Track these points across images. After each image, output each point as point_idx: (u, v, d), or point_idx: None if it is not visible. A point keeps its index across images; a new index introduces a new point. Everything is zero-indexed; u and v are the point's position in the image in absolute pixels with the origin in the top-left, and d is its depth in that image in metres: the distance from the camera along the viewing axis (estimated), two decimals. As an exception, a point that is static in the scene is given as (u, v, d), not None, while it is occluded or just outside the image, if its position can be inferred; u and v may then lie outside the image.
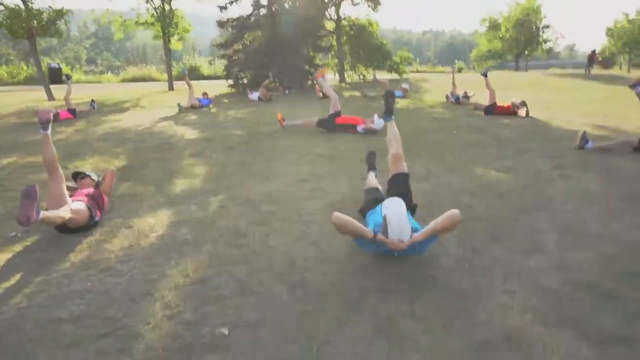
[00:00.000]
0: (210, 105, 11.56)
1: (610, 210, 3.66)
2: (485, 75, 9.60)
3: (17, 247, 3.27)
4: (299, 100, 12.50)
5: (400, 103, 11.42)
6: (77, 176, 4.02)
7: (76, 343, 2.12)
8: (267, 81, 12.51)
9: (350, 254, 2.96)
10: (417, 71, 32.71)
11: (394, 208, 2.68)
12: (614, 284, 2.52)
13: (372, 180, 3.93)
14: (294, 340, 2.10)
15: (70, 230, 3.42)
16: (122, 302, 2.47)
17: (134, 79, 23.22)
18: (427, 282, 2.60)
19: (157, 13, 16.45)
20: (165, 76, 24.27)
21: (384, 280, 2.61)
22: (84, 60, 66.03)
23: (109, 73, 26.32)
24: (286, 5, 15.47)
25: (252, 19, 15.35)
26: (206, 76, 25.36)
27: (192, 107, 10.81)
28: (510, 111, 8.84)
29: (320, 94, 12.67)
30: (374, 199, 3.35)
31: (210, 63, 24.43)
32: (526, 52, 33.96)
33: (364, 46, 20.09)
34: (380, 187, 3.73)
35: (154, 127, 8.16)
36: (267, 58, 14.83)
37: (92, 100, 10.68)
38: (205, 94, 11.98)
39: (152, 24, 16.74)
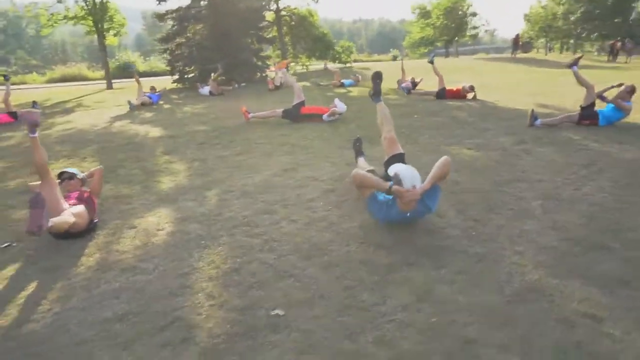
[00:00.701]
0: (160, 101, 11.18)
1: (577, 177, 4.13)
2: (431, 62, 10.11)
3: (18, 257, 3.13)
4: (251, 93, 12.40)
5: (354, 92, 11.73)
6: (62, 176, 3.84)
7: (135, 339, 2.14)
8: (216, 74, 12.27)
9: (367, 233, 3.14)
10: (355, 60, 33.34)
11: (400, 166, 2.93)
12: (602, 238, 2.92)
13: (364, 164, 4.13)
14: (347, 313, 2.25)
15: (69, 235, 3.31)
16: (162, 297, 2.48)
17: (64, 79, 21.66)
18: (444, 251, 2.85)
19: (87, 6, 15.48)
20: (98, 74, 23.05)
21: (407, 254, 2.82)
22: (-6, 60, 60.35)
23: (34, 73, 24.30)
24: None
25: (193, 10, 14.89)
26: (142, 72, 24.19)
27: (143, 105, 10.40)
28: (460, 95, 9.40)
29: (272, 86, 12.66)
30: (376, 181, 3.55)
31: (145, 59, 23.37)
32: (456, 39, 35.68)
33: (306, 36, 20.22)
34: (374, 169, 3.93)
35: (112, 127, 7.81)
36: (212, 52, 14.50)
37: (34, 102, 9.94)
38: (152, 88, 11.55)
39: (84, 17, 15.71)
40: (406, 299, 2.34)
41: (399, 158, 3.59)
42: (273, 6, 19.63)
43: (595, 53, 37.52)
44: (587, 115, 6.16)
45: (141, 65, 25.24)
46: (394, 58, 40.91)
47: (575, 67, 6.33)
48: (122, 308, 2.40)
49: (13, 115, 8.64)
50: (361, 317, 2.22)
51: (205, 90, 12.34)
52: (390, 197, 3.03)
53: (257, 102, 9.97)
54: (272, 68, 15.15)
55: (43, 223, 2.83)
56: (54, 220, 2.98)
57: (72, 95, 13.76)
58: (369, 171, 3.84)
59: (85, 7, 15.49)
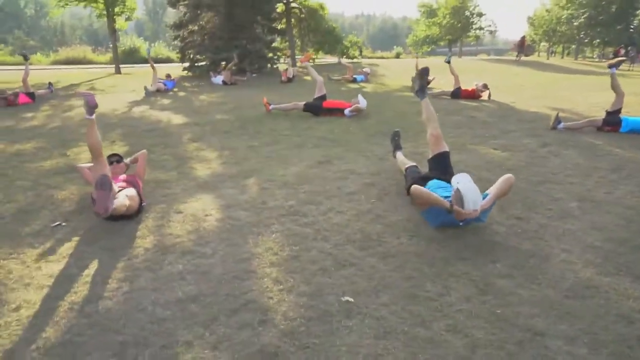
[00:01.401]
0: (175, 89, 11.19)
1: (606, 181, 4.25)
2: (448, 62, 10.20)
3: (72, 236, 3.18)
4: (264, 84, 12.44)
5: (367, 87, 11.79)
6: (111, 158, 3.89)
7: (213, 319, 2.22)
8: (232, 64, 12.27)
9: (416, 227, 3.23)
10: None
11: (465, 182, 2.97)
12: (644, 239, 3.03)
13: (404, 159, 4.20)
14: (414, 302, 2.35)
15: (119, 217, 3.37)
16: (228, 281, 2.56)
17: (69, 61, 21.50)
18: (495, 247, 2.94)
19: (100, -12, 15.38)
20: (102, 58, 22.93)
21: (459, 248, 2.91)
22: (-8, 48, 59.57)
23: (37, 54, 24.07)
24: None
25: (208, -2, 14.85)
26: (146, 59, 24.04)
27: (158, 91, 10.42)
28: (474, 95, 9.51)
29: (285, 78, 12.69)
30: (421, 177, 3.63)
31: (149, 45, 23.24)
32: (462, 39, 35.80)
33: (315, 29, 20.21)
34: (416, 164, 4.01)
35: (132, 112, 7.83)
36: (224, 41, 14.48)
37: (50, 83, 9.92)
38: (168, 75, 11.56)
39: (95, 0, 15.60)
40: (468, 291, 2.44)
41: (444, 156, 3.67)
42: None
43: (597, 59, 37.83)
44: (611, 122, 6.26)
45: (145, 52, 25.07)
46: (398, 55, 40.99)
47: (614, 69, 6.39)
48: (192, 289, 2.47)
49: (31, 95, 8.65)
50: (429, 306, 2.31)
51: (218, 79, 12.35)
52: None
53: (271, 94, 9.99)
54: (286, 60, 15.17)
55: (109, 205, 2.89)
56: (115, 203, 3.04)
57: (81, 79, 13.71)
58: (411, 167, 3.94)
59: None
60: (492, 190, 3.08)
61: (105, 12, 15.75)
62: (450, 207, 2.93)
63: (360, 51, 27.69)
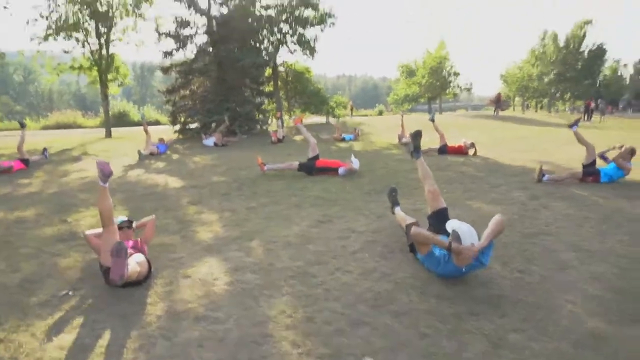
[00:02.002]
0: (168, 152, 11.38)
1: (598, 231, 4.43)
2: (432, 120, 10.66)
3: (81, 305, 3.17)
4: (255, 146, 12.73)
5: (357, 146, 12.17)
6: (124, 224, 3.94)
7: (236, 386, 2.21)
8: (223, 126, 12.62)
9: (423, 284, 3.31)
10: (344, 115, 34.48)
11: (458, 223, 3.15)
12: (642, 289, 3.16)
13: (404, 215, 4.34)
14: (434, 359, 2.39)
15: (127, 283, 3.37)
16: (246, 346, 2.57)
17: (59, 126, 21.77)
18: (503, 300, 3.03)
19: (93, 57, 15.93)
20: (92, 122, 23.29)
21: (469, 304, 2.99)
22: (-23, 105, 59.86)
23: (27, 119, 24.33)
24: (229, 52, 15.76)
25: (199, 64, 15.48)
26: (136, 122, 24.54)
27: (152, 154, 10.58)
28: (461, 151, 9.89)
29: (275, 139, 13.04)
30: (422, 234, 3.76)
31: (139, 109, 23.78)
32: (441, 96, 37.47)
33: (301, 92, 21.02)
34: (417, 221, 4.14)
35: (129, 177, 7.92)
36: (215, 104, 14.96)
37: (45, 149, 10.02)
38: (161, 139, 11.78)
39: (89, 68, 16.13)
40: (484, 347, 2.50)
41: (443, 212, 3.82)
42: (271, 62, 20.39)
43: (568, 112, 39.80)
44: (590, 173, 6.60)
45: (135, 115, 25.62)
46: (380, 113, 42.49)
47: (575, 127, 6.84)
48: (211, 357, 2.47)
49: (25, 162, 8.71)
50: (448, 363, 2.35)
51: (210, 141, 12.62)
52: (447, 252, 3.23)
53: (263, 154, 10.23)
54: (275, 120, 15.66)
55: (125, 272, 2.93)
56: (128, 270, 3.07)
57: (73, 143, 13.84)
58: (412, 223, 4.07)
59: (91, 59, 15.93)
60: (485, 232, 3.24)
61: (98, 79, 16.22)
62: (449, 245, 3.06)
63: (352, 110, 28.93)
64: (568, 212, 5.13)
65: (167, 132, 16.25)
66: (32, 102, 71.59)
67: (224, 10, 16.11)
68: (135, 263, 3.32)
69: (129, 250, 3.63)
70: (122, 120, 23.78)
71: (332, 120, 18.39)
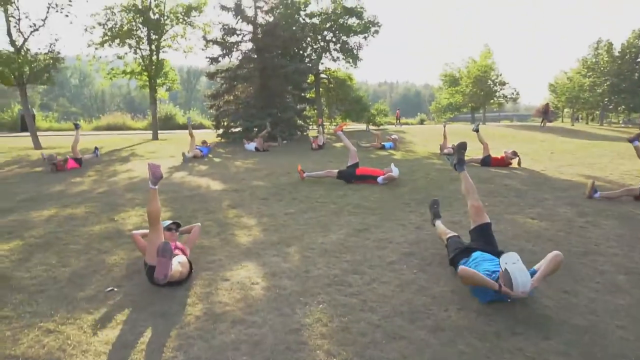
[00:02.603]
0: (210, 155, 11.70)
1: (653, 253, 4.17)
2: (477, 130, 10.39)
3: (124, 302, 3.30)
4: (295, 151, 12.88)
5: (397, 155, 12.05)
6: (172, 226, 4.08)
7: (270, 391, 2.23)
8: (264, 132, 12.87)
9: (462, 299, 3.22)
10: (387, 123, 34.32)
11: (514, 262, 2.95)
12: None
13: (445, 228, 4.25)
14: (470, 379, 2.32)
15: (169, 283, 3.48)
16: (281, 352, 2.59)
17: (109, 127, 22.91)
18: (546, 321, 2.90)
19: (144, 62, 16.67)
20: (140, 124, 24.30)
21: (509, 322, 2.88)
22: (38, 106, 63.74)
23: (80, 120, 25.76)
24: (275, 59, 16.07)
25: (243, 71, 15.88)
26: (182, 125, 25.39)
27: (195, 157, 10.91)
28: (504, 162, 9.59)
29: (315, 146, 13.13)
30: (463, 249, 3.66)
31: (184, 112, 24.60)
32: (485, 106, 36.54)
33: (343, 99, 21.09)
34: (457, 234, 4.05)
35: (173, 178, 8.20)
36: (258, 110, 15.27)
37: (96, 148, 10.57)
38: (204, 142, 12.14)
39: (140, 73, 16.89)
40: (525, 369, 2.40)
41: (486, 228, 3.71)
42: (313, 69, 20.61)
43: (622, 125, 37.79)
44: (648, 191, 6.21)
45: (181, 118, 26.51)
46: (422, 122, 41.94)
47: (637, 142, 6.44)
48: None
49: (79, 161, 9.19)
50: (486, 384, 2.28)
51: (251, 146, 12.87)
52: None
53: (303, 160, 10.35)
54: (316, 126, 15.81)
55: (169, 272, 3.03)
56: (172, 269, 3.17)
57: (122, 144, 14.51)
58: (452, 237, 3.98)
59: (142, 64, 16.66)
60: (540, 268, 3.07)
61: (148, 84, 16.93)
62: (499, 289, 2.93)
63: (398, 119, 28.90)
64: (620, 231, 4.86)
65: (210, 135, 16.73)
66: (86, 103, 75.65)
67: (270, 18, 16.44)
68: (177, 263, 3.43)
69: (175, 251, 3.76)
70: (169, 123, 24.68)
71: (371, 127, 18.36)
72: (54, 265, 3.99)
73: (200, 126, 25.89)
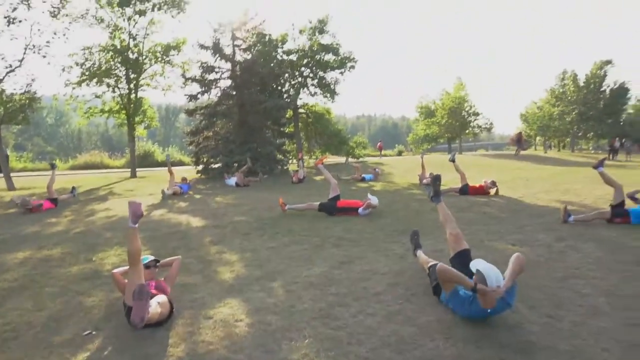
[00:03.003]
0: (190, 191, 11.60)
1: (633, 275, 4.26)
2: (453, 160, 10.62)
3: (104, 345, 3.18)
4: (276, 186, 12.89)
5: (377, 186, 12.18)
6: (150, 264, 3.99)
7: None
8: (245, 167, 12.88)
9: (449, 328, 3.22)
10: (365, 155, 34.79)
11: (482, 264, 3.10)
12: (683, 337, 2.99)
13: (426, 257, 4.28)
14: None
15: (148, 324, 3.38)
16: (267, 390, 2.52)
17: (86, 166, 22.56)
18: (532, 347, 2.91)
19: (122, 101, 16.67)
20: (118, 162, 24.03)
21: (496, 349, 2.88)
22: (12, 147, 62.45)
23: (57, 160, 25.31)
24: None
25: (222, 107, 16.02)
26: (160, 162, 25.21)
27: (174, 194, 10.80)
28: (482, 191, 9.79)
29: (296, 179, 13.19)
30: (445, 276, 3.69)
31: (164, 149, 24.49)
32: (461, 136, 37.52)
33: (322, 132, 21.37)
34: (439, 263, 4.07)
35: (153, 216, 8.07)
36: (237, 145, 15.33)
37: (73, 187, 10.36)
38: (184, 179, 12.05)
39: (118, 111, 16.85)
40: (514, 396, 2.39)
41: (466, 254, 3.77)
42: (291, 104, 20.91)
43: (592, 151, 39.20)
44: (619, 214, 6.41)
45: (160, 156, 26.36)
46: (400, 153, 42.67)
47: (601, 168, 6.71)
48: (233, 400, 2.43)
49: (54, 201, 8.99)
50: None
51: (232, 181, 12.84)
52: (471, 293, 3.16)
53: (284, 194, 10.33)
54: (296, 160, 15.93)
55: (145, 315, 2.95)
56: (149, 312, 3.09)
57: (100, 183, 14.27)
58: (432, 266, 4.00)
59: (120, 102, 16.66)
60: (507, 272, 3.19)
61: (126, 122, 16.87)
62: (474, 285, 3.00)
63: (381, 150, 29.55)
64: (597, 254, 4.97)
65: (190, 171, 16.63)
66: (62, 142, 74.61)
67: (247, 56, 16.77)
68: (156, 304, 3.34)
69: (152, 291, 3.67)
70: (147, 160, 24.49)
71: (351, 160, 18.60)
72: (29, 309, 3.83)
73: (180, 163, 25.76)
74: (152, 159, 25.56)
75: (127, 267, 3.85)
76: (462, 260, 3.78)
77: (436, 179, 4.36)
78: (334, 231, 6.49)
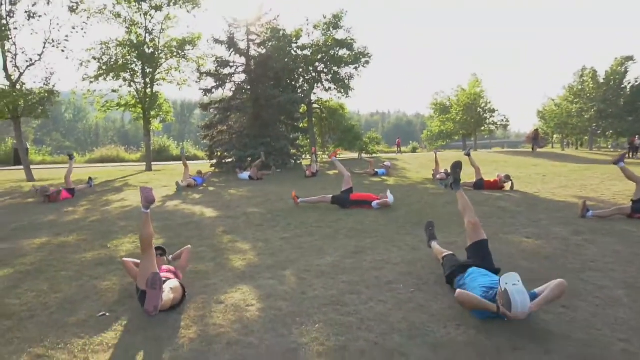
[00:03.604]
0: (205, 184, 11.68)
1: (650, 268, 4.16)
2: (468, 154, 10.51)
3: (116, 327, 3.21)
4: (289, 179, 12.89)
5: (390, 180, 12.10)
6: (157, 252, 4.02)
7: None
8: (258, 161, 12.93)
9: (461, 315, 3.17)
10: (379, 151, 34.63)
11: (514, 283, 2.86)
12: None
13: (441, 248, 4.24)
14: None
15: (162, 308, 3.40)
16: (277, 371, 2.52)
17: (103, 160, 22.90)
18: (547, 336, 2.86)
19: (138, 95, 16.86)
20: (134, 156, 24.33)
21: (509, 337, 2.84)
22: (31, 141, 63.69)
23: (74, 153, 25.73)
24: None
25: (237, 101, 16.10)
26: (175, 156, 25.44)
27: (189, 186, 10.88)
28: (497, 186, 9.66)
29: (309, 173, 13.18)
30: (459, 266, 3.64)
31: (179, 144, 24.71)
32: (476, 133, 37.07)
33: (335, 128, 21.33)
34: (453, 253, 4.03)
35: (167, 206, 8.15)
36: (251, 139, 15.39)
37: (90, 179, 10.52)
38: (199, 172, 12.13)
39: (134, 105, 17.06)
40: (528, 383, 2.35)
41: (483, 244, 3.70)
42: (306, 100, 20.89)
43: (611, 149, 38.38)
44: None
45: (174, 150, 26.61)
46: (414, 150, 42.37)
47: (622, 163, 6.54)
48: (242, 380, 2.44)
49: (72, 191, 9.13)
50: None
51: (245, 175, 12.89)
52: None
53: (297, 187, 10.34)
54: (310, 155, 15.91)
55: (159, 304, 2.97)
56: (163, 299, 3.12)
57: (116, 176, 14.47)
58: (448, 255, 3.96)
59: (136, 97, 16.85)
60: (542, 292, 2.98)
61: (142, 116, 17.07)
62: (497, 310, 2.89)
63: (399, 147, 29.49)
64: (616, 248, 4.86)
65: (204, 166, 16.75)
66: (80, 138, 75.99)
67: (262, 50, 16.80)
68: (169, 290, 3.37)
69: (165, 275, 3.69)
70: (162, 155, 24.76)
71: (364, 156, 18.56)
72: (45, 291, 3.90)
73: (194, 157, 25.96)
74: (168, 154, 25.82)
75: (137, 260, 3.89)
76: (478, 250, 3.70)
77: (456, 166, 4.30)
78: (347, 223, 6.46)
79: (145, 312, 3.13)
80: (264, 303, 3.54)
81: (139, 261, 3.77)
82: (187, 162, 11.87)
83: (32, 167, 14.38)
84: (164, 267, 3.90)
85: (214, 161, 16.09)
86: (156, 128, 18.64)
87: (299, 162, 17.34)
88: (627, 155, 24.79)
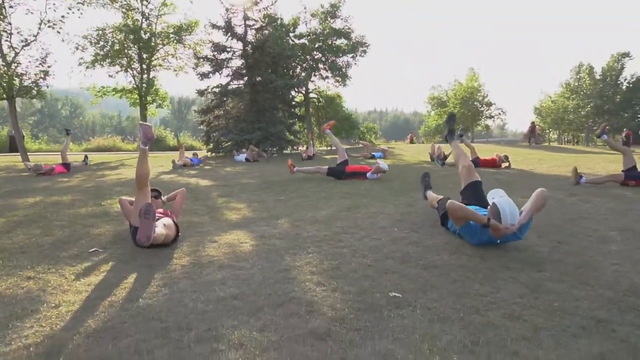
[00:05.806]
0: (201, 164, 11.65)
1: (644, 218, 4.17)
2: (461, 135, 10.46)
3: (109, 259, 3.19)
4: (286, 161, 12.82)
5: (387, 161, 12.08)
6: (152, 194, 4.00)
7: (257, 310, 2.16)
8: (252, 145, 12.90)
9: (456, 246, 3.17)
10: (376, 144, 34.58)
11: (501, 196, 2.96)
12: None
13: (435, 195, 4.23)
14: (464, 297, 2.26)
15: (154, 245, 3.39)
16: (269, 285, 2.51)
17: (99, 149, 22.79)
18: (540, 261, 2.87)
19: (135, 81, 16.79)
20: (130, 146, 24.22)
21: (503, 261, 2.85)
22: (28, 136, 63.17)
23: (70, 143, 25.59)
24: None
25: (234, 86, 16.05)
26: (172, 146, 25.32)
27: (185, 165, 10.84)
28: (495, 164, 9.66)
29: (306, 156, 13.15)
30: (454, 204, 3.63)
31: (174, 135, 24.62)
32: (473, 128, 37.11)
33: (333, 116, 21.28)
34: (448, 197, 4.02)
35: (162, 178, 8.12)
36: (248, 124, 15.34)
37: (86, 156, 10.48)
38: (195, 154, 12.10)
39: (130, 91, 16.98)
40: (519, 290, 2.35)
41: (477, 185, 3.70)
42: (302, 88, 20.82)
43: (607, 145, 38.44)
44: (632, 177, 6.26)
45: (172, 140, 26.50)
46: (411, 141, 42.36)
47: (604, 136, 6.58)
48: (233, 291, 2.43)
49: (67, 166, 9.08)
50: (481, 300, 2.22)
51: (241, 157, 12.84)
52: None
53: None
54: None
55: (151, 234, 2.96)
56: (155, 232, 3.10)
57: (111, 158, 14.40)
58: (442, 198, 3.96)
59: (133, 82, 16.78)
60: (527, 206, 3.06)
61: (138, 102, 17.00)
62: (487, 221, 2.90)
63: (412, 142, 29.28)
64: (610, 205, 4.87)
65: (200, 154, 16.71)
66: (77, 133, 75.66)
67: (259, 36, 16.75)
68: (162, 225, 3.35)
69: (158, 213, 3.68)
70: (159, 145, 24.61)
71: (361, 141, 18.60)
72: (37, 234, 3.87)
73: (191, 148, 25.80)
74: (164, 143, 25.69)
75: (133, 199, 3.86)
76: (473, 190, 3.70)
77: (450, 117, 4.30)
78: (342, 188, 6.45)
79: (138, 241, 3.11)
80: (258, 241, 3.54)
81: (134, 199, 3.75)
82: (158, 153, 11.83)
83: (28, 154, 14.25)
84: (160, 210, 3.87)
85: (211, 145, 16.00)
86: (152, 114, 18.57)
87: (295, 148, 17.31)
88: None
